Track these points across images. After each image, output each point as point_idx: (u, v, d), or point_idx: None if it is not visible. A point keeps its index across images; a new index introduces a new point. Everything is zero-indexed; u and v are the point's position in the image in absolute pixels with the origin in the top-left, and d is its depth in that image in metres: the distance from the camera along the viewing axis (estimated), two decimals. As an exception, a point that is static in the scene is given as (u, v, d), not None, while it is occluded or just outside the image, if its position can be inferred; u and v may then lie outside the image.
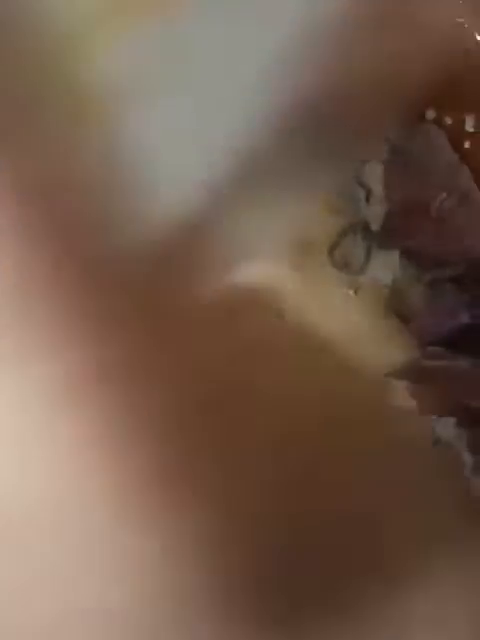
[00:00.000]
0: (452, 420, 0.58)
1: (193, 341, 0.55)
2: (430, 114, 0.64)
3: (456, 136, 0.64)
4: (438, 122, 0.64)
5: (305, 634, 0.51)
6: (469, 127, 0.62)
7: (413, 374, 0.57)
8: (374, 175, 0.62)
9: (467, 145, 0.63)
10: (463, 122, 0.63)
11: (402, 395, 0.56)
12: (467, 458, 0.57)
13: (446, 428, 0.58)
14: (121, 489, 0.50)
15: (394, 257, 0.62)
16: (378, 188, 0.62)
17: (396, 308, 0.61)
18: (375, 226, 0.62)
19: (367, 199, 0.62)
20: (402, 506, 0.56)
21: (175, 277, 0.56)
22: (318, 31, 0.54)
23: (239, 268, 0.60)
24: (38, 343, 0.51)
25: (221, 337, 0.56)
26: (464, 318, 0.60)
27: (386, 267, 0.62)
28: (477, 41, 0.57)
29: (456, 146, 0.64)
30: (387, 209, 0.62)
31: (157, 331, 0.55)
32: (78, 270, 0.52)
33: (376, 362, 0.60)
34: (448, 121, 0.64)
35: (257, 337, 0.58)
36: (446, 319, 0.60)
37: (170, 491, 0.50)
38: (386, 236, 0.62)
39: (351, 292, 0.61)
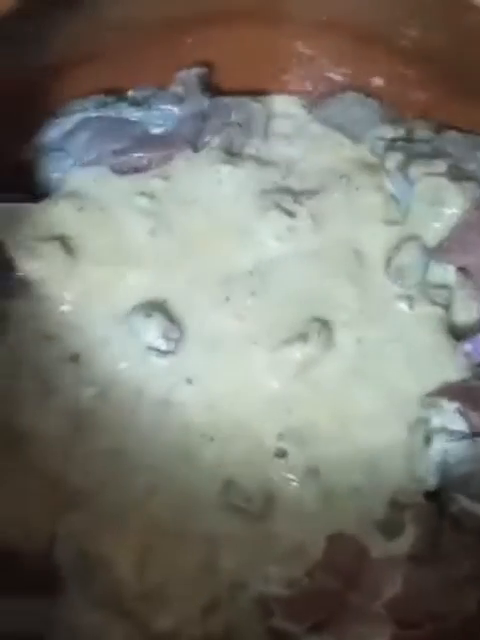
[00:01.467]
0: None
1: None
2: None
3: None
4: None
5: None
6: None
7: (463, 394, 0.56)
8: (439, 190, 0.61)
9: None
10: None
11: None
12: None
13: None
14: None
15: (450, 273, 0.61)
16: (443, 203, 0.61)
17: (449, 325, 0.61)
18: (433, 241, 0.61)
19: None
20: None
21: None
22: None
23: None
24: None
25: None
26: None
27: (442, 283, 0.62)
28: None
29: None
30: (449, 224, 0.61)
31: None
32: None
33: (426, 379, 0.59)
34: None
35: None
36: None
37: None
38: (443, 252, 0.61)
39: (405, 306, 0.61)
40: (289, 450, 0.57)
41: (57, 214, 0.60)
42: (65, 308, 0.59)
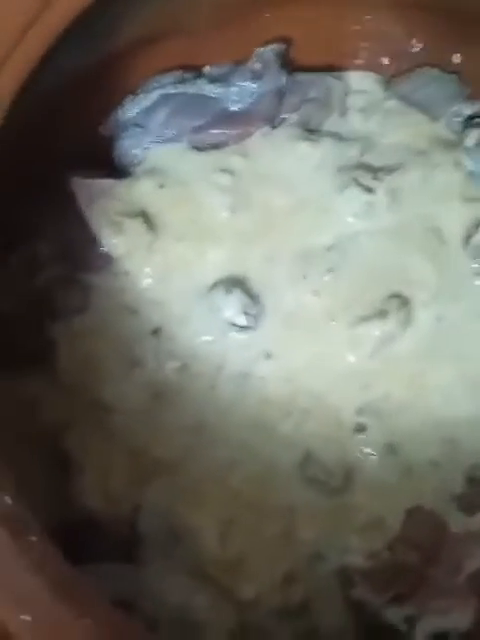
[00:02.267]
0: None
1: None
2: None
3: None
4: None
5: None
6: None
7: None
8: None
9: None
10: None
11: None
12: None
13: None
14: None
15: None
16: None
17: None
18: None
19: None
20: None
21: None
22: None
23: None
24: None
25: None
26: None
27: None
28: None
29: None
30: None
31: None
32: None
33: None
34: None
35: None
36: None
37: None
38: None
39: (484, 283, 0.61)
40: (368, 424, 0.57)
41: (139, 190, 0.61)
42: (147, 283, 0.60)
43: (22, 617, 0.37)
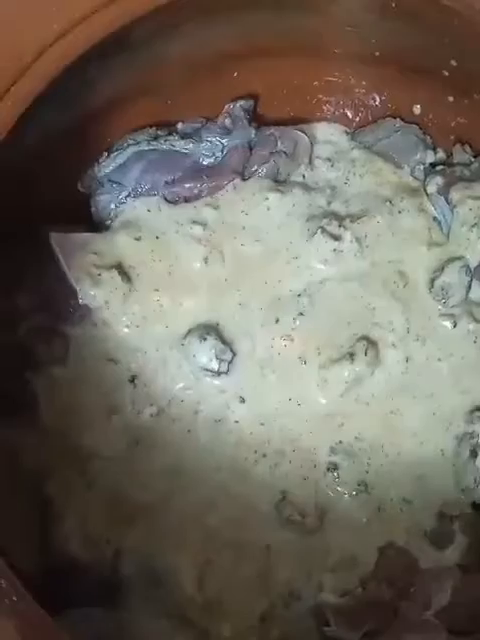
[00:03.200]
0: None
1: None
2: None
3: None
4: None
5: None
6: None
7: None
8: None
9: None
10: None
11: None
12: None
13: None
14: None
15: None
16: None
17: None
18: (475, 261, 0.63)
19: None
20: None
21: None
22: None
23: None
24: None
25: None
26: None
27: (486, 301, 0.64)
28: None
29: None
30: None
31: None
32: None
33: (472, 394, 0.61)
34: None
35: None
36: None
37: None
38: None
39: (449, 324, 0.63)
40: (340, 464, 0.59)
41: (115, 243, 0.63)
42: (124, 332, 0.62)
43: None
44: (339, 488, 0.59)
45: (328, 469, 0.59)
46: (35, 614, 0.40)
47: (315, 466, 0.60)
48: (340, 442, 0.60)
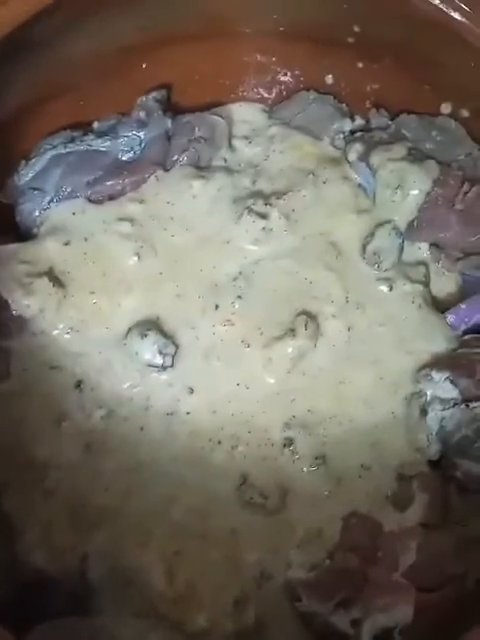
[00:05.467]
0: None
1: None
2: (445, 108, 0.66)
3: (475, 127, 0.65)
4: (454, 115, 0.66)
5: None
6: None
7: (451, 363, 0.58)
8: (401, 173, 0.64)
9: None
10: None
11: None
12: None
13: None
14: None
15: (424, 251, 0.64)
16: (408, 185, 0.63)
17: (431, 300, 0.63)
18: (403, 223, 0.64)
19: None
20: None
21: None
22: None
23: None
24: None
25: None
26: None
27: (418, 261, 0.64)
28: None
29: (475, 137, 0.65)
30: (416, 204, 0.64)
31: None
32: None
33: (416, 354, 0.61)
34: (465, 114, 0.65)
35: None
36: (480, 307, 0.62)
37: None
38: (415, 231, 0.64)
39: (385, 288, 0.63)
40: (296, 438, 0.59)
41: (44, 250, 0.63)
42: (64, 338, 0.61)
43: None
44: (297, 463, 0.59)
45: (284, 445, 0.59)
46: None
47: (272, 445, 0.60)
48: (293, 417, 0.60)
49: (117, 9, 0.60)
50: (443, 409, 0.57)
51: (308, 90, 0.70)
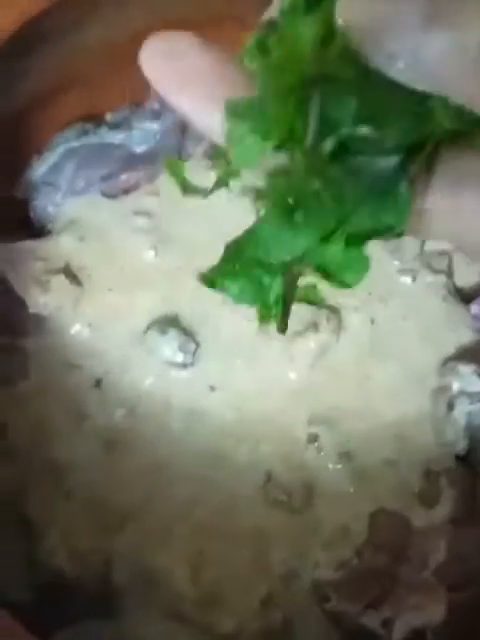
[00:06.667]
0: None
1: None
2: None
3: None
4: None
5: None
6: None
7: (477, 355, 0.57)
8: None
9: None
10: None
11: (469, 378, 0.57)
12: None
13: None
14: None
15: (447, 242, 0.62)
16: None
17: (456, 290, 0.62)
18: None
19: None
20: None
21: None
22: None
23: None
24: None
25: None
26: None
27: (441, 251, 0.63)
28: None
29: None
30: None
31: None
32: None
33: (442, 346, 0.60)
34: None
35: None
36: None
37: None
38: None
39: (409, 279, 0.62)
40: (320, 434, 0.58)
41: (59, 247, 0.62)
42: (82, 337, 0.60)
43: None
44: (322, 460, 0.58)
45: (309, 441, 0.58)
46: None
47: (295, 441, 0.58)
48: (317, 413, 0.59)
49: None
50: (471, 403, 0.56)
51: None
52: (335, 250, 0.28)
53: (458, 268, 0.62)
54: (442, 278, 0.61)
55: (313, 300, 0.32)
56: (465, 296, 0.62)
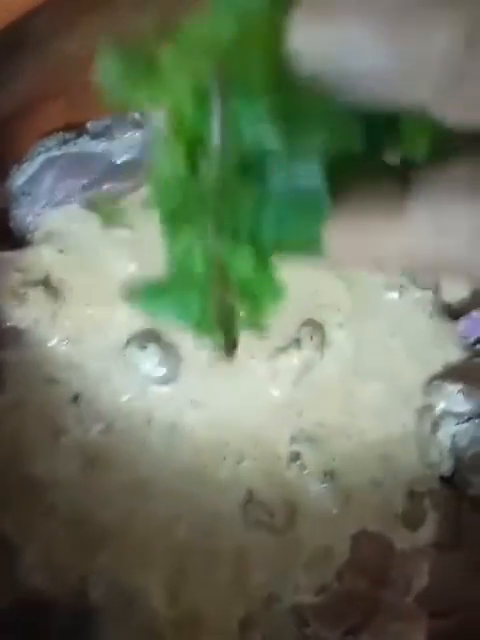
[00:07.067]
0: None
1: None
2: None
3: None
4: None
5: None
6: None
7: (463, 374, 0.56)
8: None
9: None
10: None
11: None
12: None
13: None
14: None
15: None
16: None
17: (442, 307, 0.61)
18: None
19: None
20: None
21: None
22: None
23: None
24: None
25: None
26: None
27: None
28: None
29: None
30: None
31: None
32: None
33: (428, 364, 0.59)
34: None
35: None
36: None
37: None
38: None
39: (395, 294, 0.61)
40: (303, 452, 0.57)
41: (38, 258, 0.61)
42: (60, 350, 0.59)
43: None
44: (305, 479, 0.57)
45: (291, 459, 0.57)
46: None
47: (278, 458, 0.57)
48: (301, 430, 0.58)
49: (113, 6, 0.57)
50: (456, 423, 0.55)
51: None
52: (245, 266, 0.27)
53: (445, 283, 0.61)
54: (429, 294, 0.60)
55: (256, 324, 0.30)
56: (453, 312, 0.61)
